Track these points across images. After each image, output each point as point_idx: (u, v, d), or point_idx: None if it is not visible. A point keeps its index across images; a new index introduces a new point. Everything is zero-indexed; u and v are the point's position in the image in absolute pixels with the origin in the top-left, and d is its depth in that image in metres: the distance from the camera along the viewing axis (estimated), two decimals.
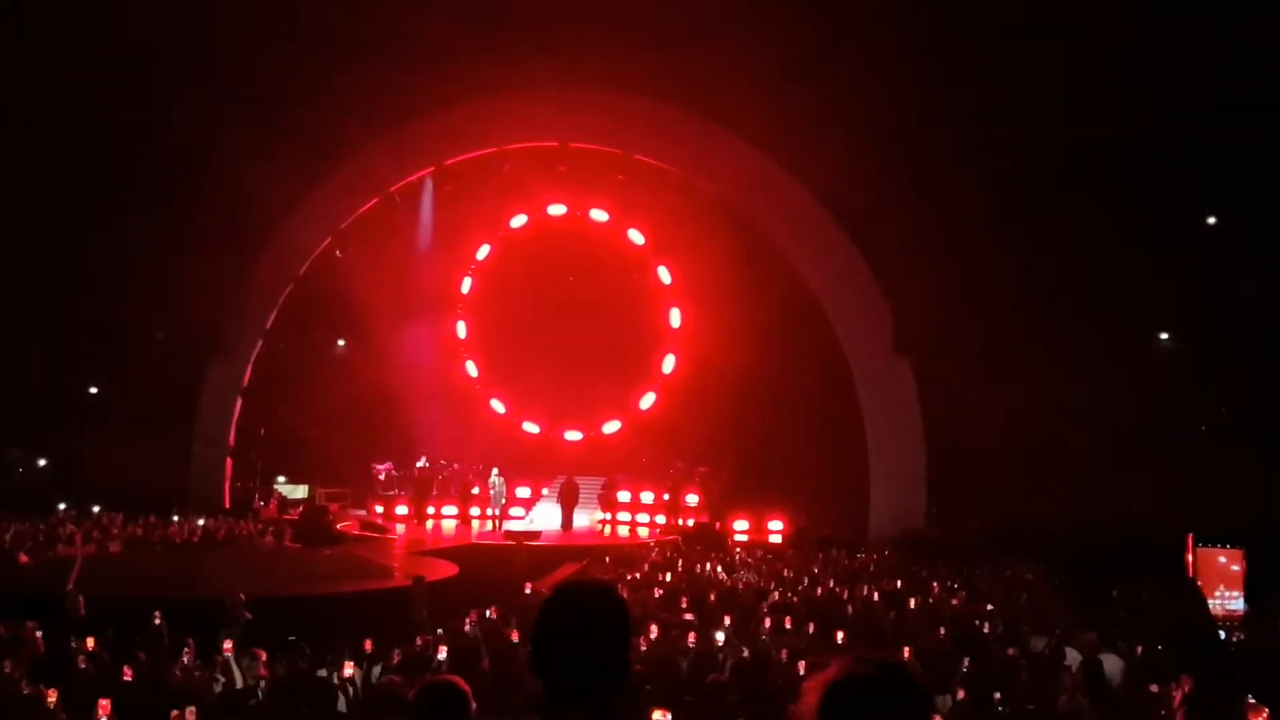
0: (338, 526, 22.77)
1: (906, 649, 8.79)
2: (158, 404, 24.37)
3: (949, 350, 22.91)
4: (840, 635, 9.68)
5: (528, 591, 12.60)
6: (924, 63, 20.39)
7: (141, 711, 6.57)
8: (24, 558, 16.02)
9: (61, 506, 22.65)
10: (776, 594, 13.03)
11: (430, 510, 24.49)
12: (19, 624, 8.59)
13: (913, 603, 12.29)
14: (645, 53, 21.93)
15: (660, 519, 23.08)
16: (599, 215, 26.56)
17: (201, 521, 21.59)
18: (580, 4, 21.25)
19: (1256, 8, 18.31)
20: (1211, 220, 21.25)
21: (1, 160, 22.03)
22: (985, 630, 10.60)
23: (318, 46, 21.24)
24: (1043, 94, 20.15)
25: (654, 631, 9.42)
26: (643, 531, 22.72)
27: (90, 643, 8.18)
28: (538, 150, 25.59)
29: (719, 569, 15.77)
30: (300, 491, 26.09)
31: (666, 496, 23.20)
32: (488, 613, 10.87)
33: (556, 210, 26.81)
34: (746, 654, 8.94)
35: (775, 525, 22.12)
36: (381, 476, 25.58)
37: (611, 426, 26.21)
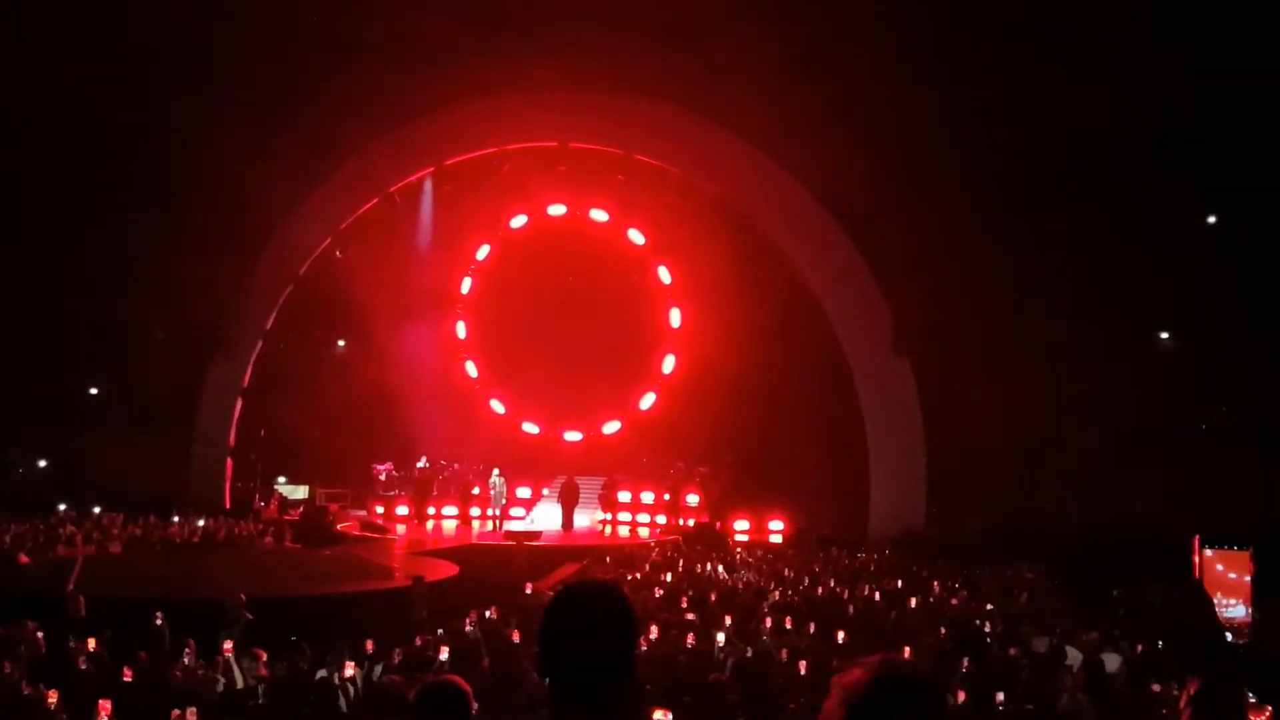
0: (338, 527, 22.77)
1: (907, 649, 8.79)
2: (158, 404, 24.37)
3: (949, 350, 22.92)
4: (841, 635, 9.68)
5: (528, 592, 12.59)
6: (924, 63, 20.38)
7: (142, 712, 6.57)
8: (24, 558, 16.01)
9: (62, 507, 22.65)
10: (777, 594, 13.03)
11: (430, 511, 24.48)
12: (19, 624, 8.59)
13: (913, 602, 12.29)
14: (645, 53, 21.93)
15: (661, 519, 23.08)
16: (599, 215, 26.56)
17: (201, 522, 21.59)
18: (580, 4, 21.25)
19: (1257, 7, 18.31)
20: (1212, 220, 21.24)
21: (1, 160, 22.02)
22: (986, 630, 10.60)
23: (317, 47, 21.27)
24: (1043, 94, 20.15)
25: (654, 632, 9.42)
26: (643, 532, 22.71)
27: (91, 643, 8.18)
28: (538, 150, 25.59)
29: (720, 569, 15.76)
30: (301, 492, 26.09)
31: (667, 497, 23.20)
32: (488, 613, 10.86)
33: (556, 210, 26.81)
34: (749, 654, 8.94)
35: (776, 525, 22.12)
36: (382, 477, 25.58)
37: (611, 427, 26.21)
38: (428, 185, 26.27)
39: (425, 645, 9.22)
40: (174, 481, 24.45)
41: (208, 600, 10.84)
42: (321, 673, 7.80)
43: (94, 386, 26.27)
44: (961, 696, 7.34)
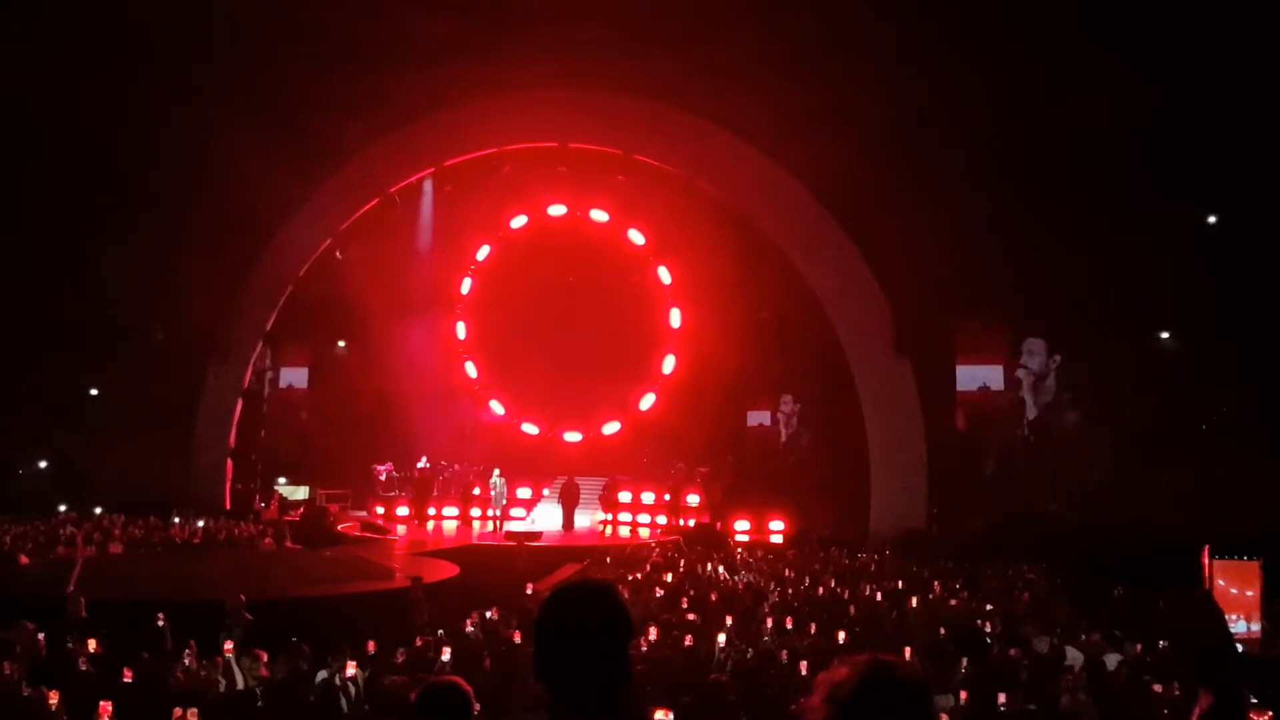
0: (338, 528, 22.77)
1: (907, 649, 8.78)
2: (158, 405, 24.36)
3: (949, 350, 22.95)
4: (842, 635, 9.67)
5: (529, 592, 12.58)
6: (924, 62, 20.38)
7: (143, 713, 6.57)
8: (24, 559, 16.02)
9: (62, 508, 22.66)
10: (776, 594, 13.02)
11: (431, 511, 24.48)
12: (18, 625, 8.58)
13: (914, 602, 12.29)
14: (645, 53, 21.92)
15: (661, 519, 23.08)
16: (599, 215, 26.57)
17: (202, 523, 21.59)
18: (580, 4, 21.24)
19: (1257, 7, 18.30)
20: (1212, 220, 21.24)
21: (2, 161, 22.03)
22: (987, 630, 10.59)
23: (318, 48, 21.25)
24: (1043, 93, 20.15)
25: (654, 632, 9.41)
26: (644, 532, 22.71)
27: (92, 644, 8.17)
28: (538, 151, 25.59)
29: (720, 569, 15.76)
30: (301, 493, 26.09)
31: (667, 497, 23.20)
32: (489, 614, 10.85)
33: (556, 211, 26.83)
34: (750, 654, 8.93)
35: (776, 525, 22.12)
36: (382, 477, 25.59)
37: (611, 427, 26.22)
38: (428, 186, 26.28)
39: (426, 646, 9.22)
40: (174, 482, 24.46)
41: (208, 601, 10.83)
42: (322, 674, 7.79)
43: (95, 387, 26.27)
44: (964, 697, 7.33)
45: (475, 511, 24.41)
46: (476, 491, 24.46)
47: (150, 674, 7.64)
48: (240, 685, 7.71)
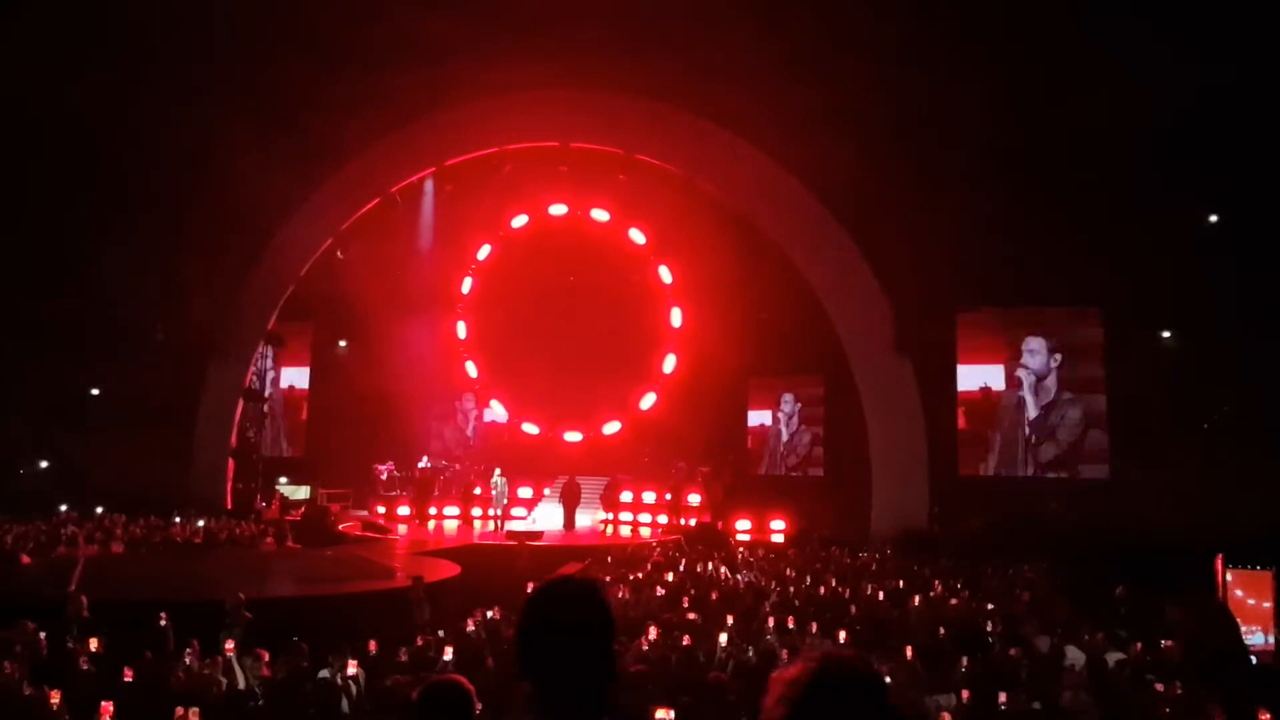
0: (339, 527, 22.78)
1: (909, 648, 8.79)
2: (159, 405, 24.39)
3: (950, 349, 22.94)
4: (843, 635, 9.67)
5: (530, 592, 12.57)
6: (924, 62, 20.38)
7: (144, 712, 6.57)
8: (26, 559, 16.02)
9: (63, 507, 22.67)
10: (778, 593, 13.02)
11: (432, 511, 24.50)
12: (20, 625, 8.59)
13: (915, 600, 12.28)
14: (645, 53, 21.93)
15: (662, 519, 23.09)
16: (600, 215, 26.60)
17: (203, 522, 21.60)
18: (581, 4, 21.24)
19: (1257, 7, 18.30)
20: (1213, 219, 21.23)
21: (2, 161, 22.04)
22: (988, 629, 10.60)
23: (318, 47, 21.25)
24: (1043, 93, 20.15)
25: (655, 632, 9.41)
26: (645, 531, 22.72)
27: (93, 644, 8.18)
28: (539, 150, 25.61)
29: (722, 568, 15.76)
30: (302, 492, 26.12)
31: (668, 496, 23.22)
32: (490, 613, 10.86)
33: (557, 210, 26.85)
34: (751, 653, 8.94)
35: (777, 525, 22.13)
36: (383, 477, 25.61)
37: (612, 427, 26.23)
38: (428, 185, 26.30)
39: (427, 645, 9.22)
40: (175, 482, 24.49)
41: (209, 601, 10.83)
42: (324, 673, 7.80)
43: (96, 387, 26.30)
44: (966, 696, 7.34)
45: (476, 511, 24.43)
46: (478, 491, 24.48)
47: (151, 674, 7.65)
48: (242, 685, 7.72)
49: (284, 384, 28.42)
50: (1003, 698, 7.22)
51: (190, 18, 21.14)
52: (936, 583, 14.19)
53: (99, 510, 22.23)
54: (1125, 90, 18.46)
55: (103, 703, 6.04)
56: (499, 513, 23.47)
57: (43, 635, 8.60)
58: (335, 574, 16.02)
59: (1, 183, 22.34)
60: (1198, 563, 11.63)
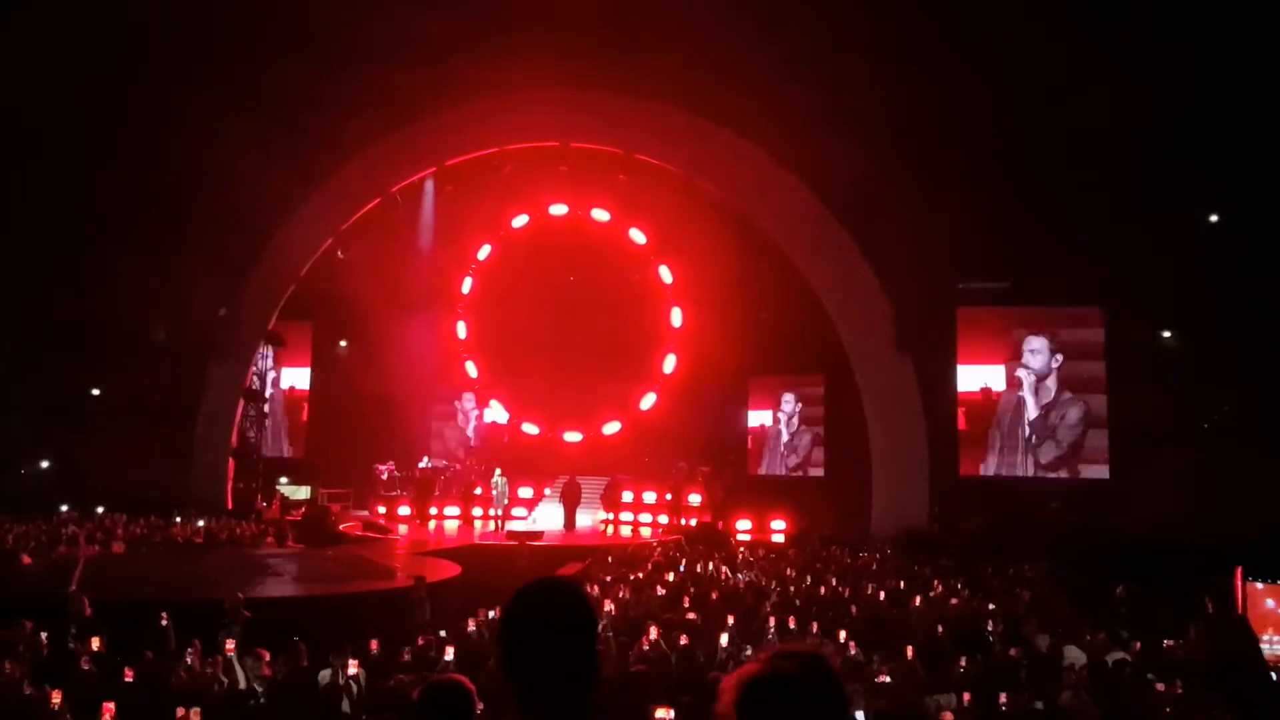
0: (340, 527, 22.79)
1: (909, 647, 8.80)
2: (160, 405, 24.40)
3: (950, 349, 22.93)
4: (843, 634, 9.68)
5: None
6: (924, 62, 20.38)
7: (145, 712, 6.57)
8: (26, 559, 16.03)
9: (64, 507, 22.67)
10: (778, 593, 13.02)
11: (433, 511, 24.50)
12: (18, 625, 8.59)
13: (916, 600, 12.29)
14: (645, 53, 21.94)
15: (663, 519, 23.10)
16: (600, 215, 26.59)
17: (203, 522, 21.61)
18: (581, 4, 21.25)
19: (1257, 7, 18.31)
20: (1213, 219, 21.24)
21: (3, 161, 22.04)
22: (988, 629, 10.61)
23: (318, 47, 21.25)
24: (1044, 93, 20.15)
25: (655, 632, 9.42)
26: (645, 531, 22.73)
27: (95, 643, 8.18)
28: (539, 150, 25.60)
29: (723, 568, 15.76)
30: (302, 492, 26.13)
31: (669, 496, 23.22)
32: (491, 613, 10.86)
33: (558, 210, 26.85)
34: (751, 653, 8.93)
35: (778, 525, 22.14)
36: (384, 477, 25.61)
37: (612, 427, 26.24)
38: (429, 185, 26.29)
39: (428, 645, 9.23)
40: (176, 482, 24.48)
41: (210, 601, 10.85)
42: (325, 673, 7.80)
43: (96, 387, 26.31)
44: (967, 698, 7.35)
45: (477, 511, 24.43)
46: (478, 491, 24.48)
47: (152, 673, 7.66)
48: (243, 684, 7.72)
49: (284, 384, 28.41)
50: (1003, 698, 7.23)
51: (190, 18, 21.15)
52: (937, 583, 14.20)
53: (99, 510, 22.24)
54: (1125, 90, 18.46)
55: (104, 703, 6.04)
56: (499, 513, 23.47)
57: (44, 635, 8.61)
58: (336, 574, 16.04)
59: (2, 183, 22.35)
60: (1198, 563, 11.61)
